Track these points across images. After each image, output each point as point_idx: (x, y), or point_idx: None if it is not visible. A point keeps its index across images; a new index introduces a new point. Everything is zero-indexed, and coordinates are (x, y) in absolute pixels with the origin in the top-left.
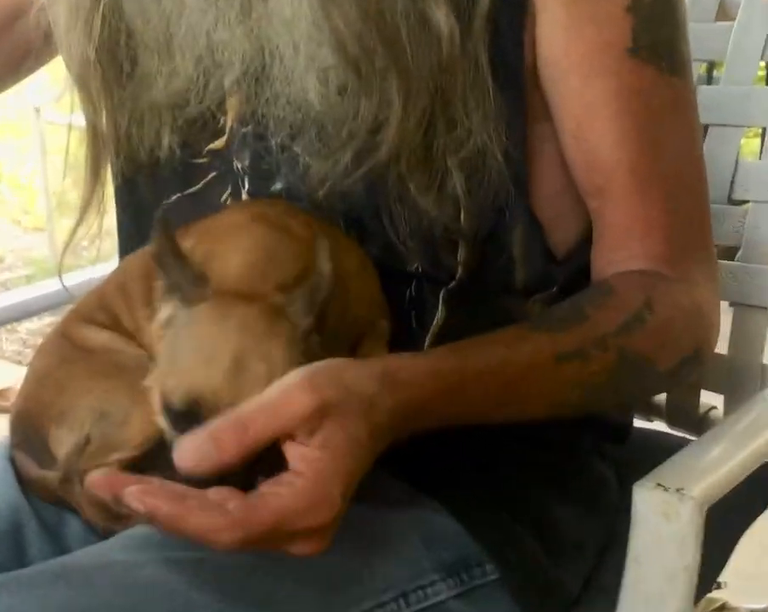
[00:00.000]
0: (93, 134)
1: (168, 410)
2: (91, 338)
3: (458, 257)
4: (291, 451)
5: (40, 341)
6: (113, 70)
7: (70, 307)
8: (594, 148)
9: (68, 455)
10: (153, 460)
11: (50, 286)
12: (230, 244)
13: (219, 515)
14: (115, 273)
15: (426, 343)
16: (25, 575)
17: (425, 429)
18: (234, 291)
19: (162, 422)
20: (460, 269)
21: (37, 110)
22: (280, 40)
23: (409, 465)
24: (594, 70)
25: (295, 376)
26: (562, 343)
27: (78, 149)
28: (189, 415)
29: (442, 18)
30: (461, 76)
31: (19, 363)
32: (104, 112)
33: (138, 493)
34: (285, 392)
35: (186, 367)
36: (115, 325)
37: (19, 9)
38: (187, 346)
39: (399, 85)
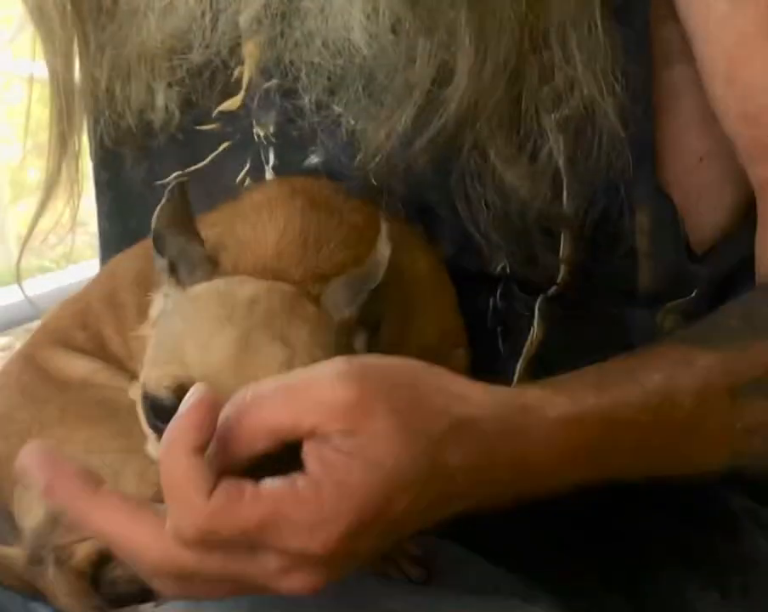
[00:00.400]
0: (60, 90)
1: (152, 405)
2: (67, 368)
3: (559, 253)
4: (309, 448)
5: None
6: (87, 2)
7: (34, 324)
8: (755, 93)
9: (37, 527)
10: None
11: (4, 296)
12: (258, 223)
13: (198, 480)
14: (100, 279)
15: (518, 372)
16: None
17: (545, 490)
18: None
19: (144, 423)
20: (562, 270)
21: None
22: None
23: (525, 554)
24: None
25: (336, 361)
26: (740, 369)
27: (43, 110)
28: (174, 406)
29: None
30: (558, 6)
31: None
32: (75, 61)
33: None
34: (317, 376)
35: (176, 352)
36: (99, 348)
37: None
38: (178, 328)
39: (470, 17)
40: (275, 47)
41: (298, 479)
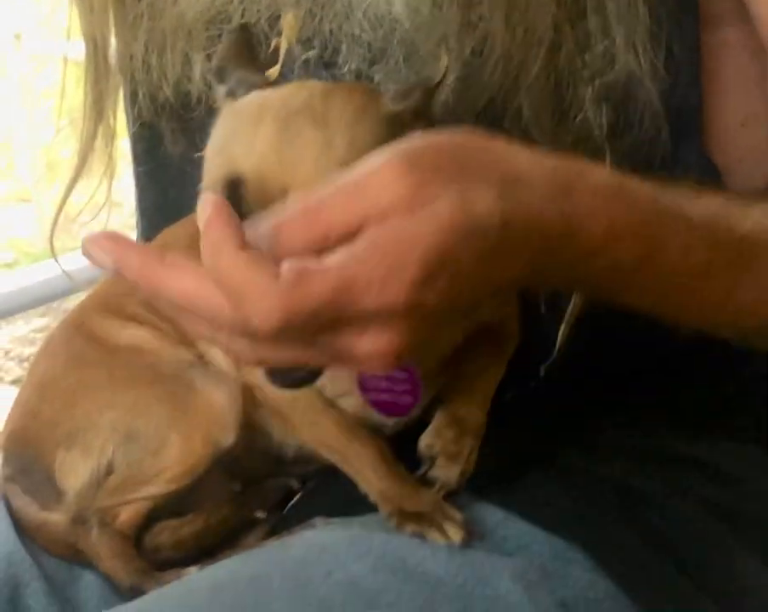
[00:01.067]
0: (96, 62)
1: None
2: (115, 334)
3: None
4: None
5: (27, 351)
6: None
7: (70, 303)
8: None
9: (81, 489)
10: (193, 499)
11: (40, 273)
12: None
13: (259, 270)
14: (156, 247)
15: (560, 337)
16: None
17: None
18: None
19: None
20: None
21: (17, 37)
22: None
23: (543, 498)
24: None
25: (385, 152)
26: None
27: (75, 91)
28: (232, 200)
29: None
30: None
31: (0, 380)
32: (111, 32)
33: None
34: (371, 172)
35: (225, 152)
36: (151, 312)
37: None
38: (227, 130)
39: None
40: (316, 18)
41: (357, 243)
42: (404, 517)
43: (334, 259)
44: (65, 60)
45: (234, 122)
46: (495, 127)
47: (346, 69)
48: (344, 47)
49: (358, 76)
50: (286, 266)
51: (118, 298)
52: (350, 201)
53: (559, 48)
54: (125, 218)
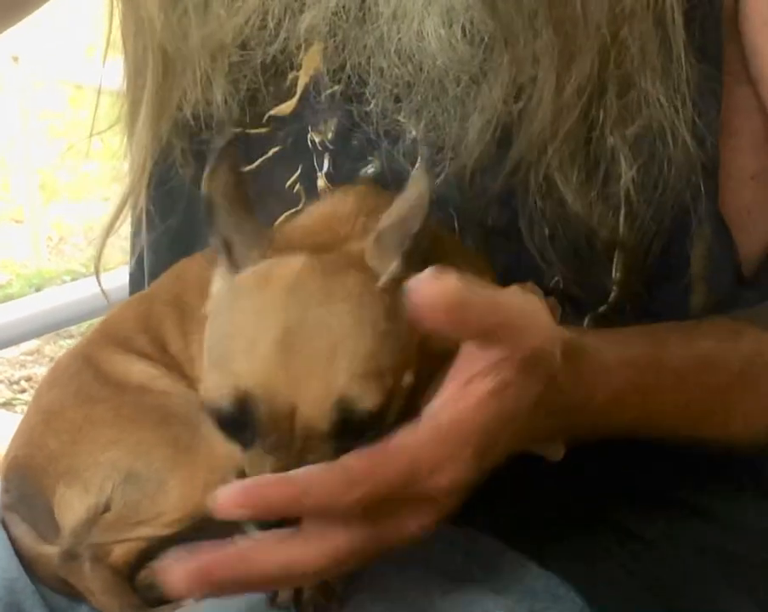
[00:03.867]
0: (135, 83)
1: (215, 413)
2: (124, 370)
3: (612, 275)
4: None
5: (18, 373)
6: None
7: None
8: None
9: (77, 525)
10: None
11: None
12: (312, 208)
13: (336, 471)
14: (165, 281)
15: None
16: None
17: (594, 433)
18: (296, 246)
19: (211, 429)
20: (614, 291)
21: (15, 59)
22: None
23: (536, 537)
24: None
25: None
26: None
27: (75, 113)
28: (240, 418)
29: None
30: (642, 27)
31: None
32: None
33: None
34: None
35: (227, 356)
36: (160, 352)
37: None
38: (226, 327)
39: (555, 39)
40: (343, 51)
41: (419, 426)
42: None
43: (397, 441)
44: (99, 91)
45: (232, 323)
46: (520, 179)
47: (372, 105)
48: (371, 81)
49: (384, 112)
50: (353, 458)
51: (127, 333)
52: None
53: (598, 96)
54: (121, 241)
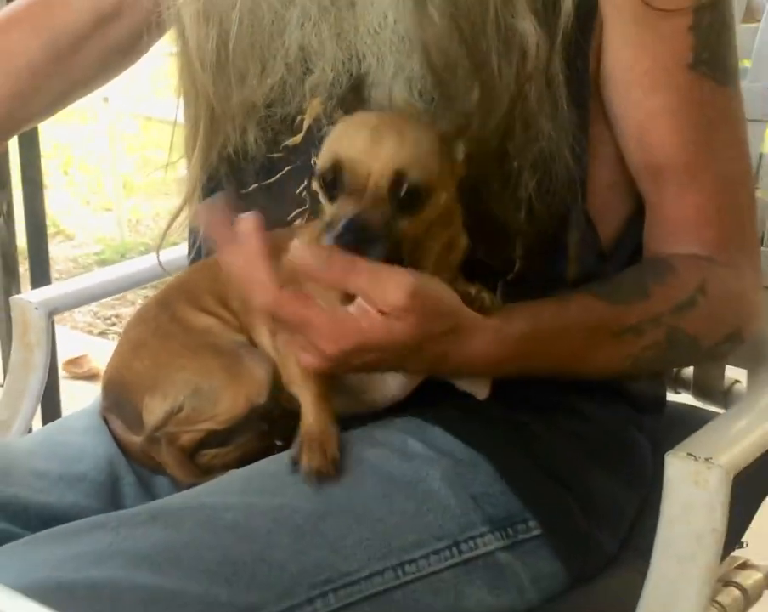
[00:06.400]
0: (192, 128)
1: (321, 180)
2: (191, 319)
3: (515, 251)
4: (362, 305)
5: (109, 312)
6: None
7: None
8: (655, 149)
9: (158, 421)
10: (233, 435)
11: (141, 263)
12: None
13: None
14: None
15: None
16: (124, 515)
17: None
18: None
19: (321, 197)
20: (518, 263)
21: (105, 100)
22: (368, 49)
23: (465, 424)
24: (657, 84)
25: (408, 273)
26: (623, 318)
27: (148, 138)
28: (334, 178)
29: (530, 30)
30: (539, 85)
31: (90, 333)
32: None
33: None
34: (392, 277)
35: (334, 144)
36: (222, 308)
37: (114, 12)
38: (338, 132)
39: (480, 95)
40: (336, 105)
41: (341, 310)
42: (310, 448)
43: (319, 306)
44: (175, 123)
45: (342, 128)
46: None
47: None
48: None
49: None
50: (291, 289)
51: (198, 293)
52: (372, 284)
53: (509, 132)
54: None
